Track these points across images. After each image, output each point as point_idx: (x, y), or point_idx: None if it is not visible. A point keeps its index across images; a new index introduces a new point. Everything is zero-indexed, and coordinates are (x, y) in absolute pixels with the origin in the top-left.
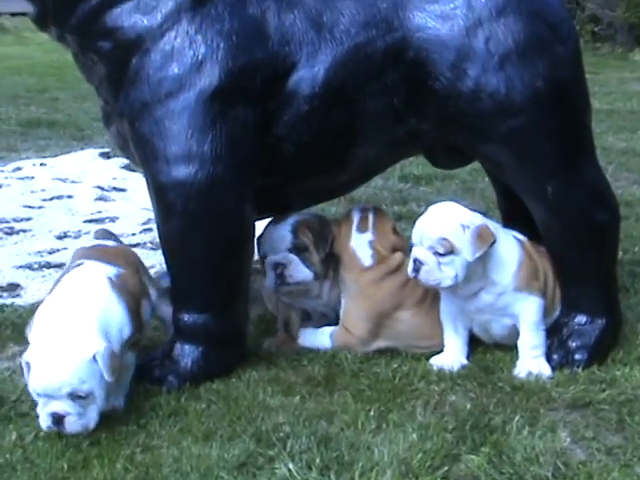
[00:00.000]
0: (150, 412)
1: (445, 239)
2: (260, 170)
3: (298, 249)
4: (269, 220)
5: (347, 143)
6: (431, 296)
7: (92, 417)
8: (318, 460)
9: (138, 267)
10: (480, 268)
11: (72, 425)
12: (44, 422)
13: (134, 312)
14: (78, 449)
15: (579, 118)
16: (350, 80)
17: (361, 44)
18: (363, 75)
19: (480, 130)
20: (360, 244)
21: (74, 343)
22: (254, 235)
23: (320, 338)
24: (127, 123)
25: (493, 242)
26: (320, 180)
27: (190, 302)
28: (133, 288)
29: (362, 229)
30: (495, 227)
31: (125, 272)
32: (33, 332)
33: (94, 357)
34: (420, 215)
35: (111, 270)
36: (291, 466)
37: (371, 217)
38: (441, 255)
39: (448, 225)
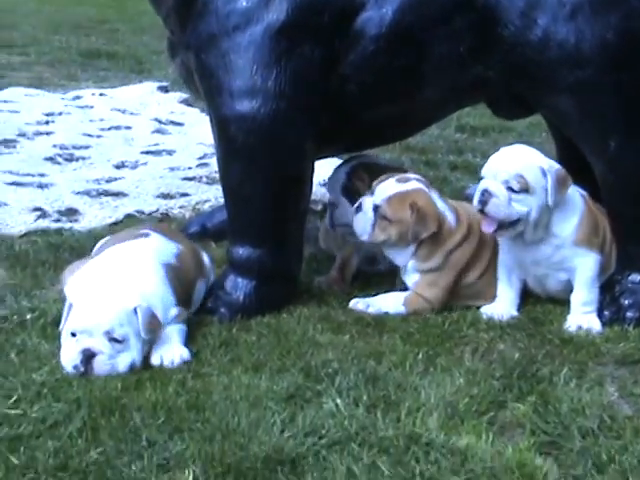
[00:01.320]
0: (202, 340)
1: (522, 176)
2: (323, 109)
3: (349, 192)
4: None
5: (411, 86)
6: (495, 259)
7: (123, 361)
8: (365, 397)
9: (197, 249)
10: (546, 217)
11: (100, 365)
12: (71, 362)
13: (183, 293)
14: (132, 371)
15: None
16: (417, 23)
17: None
18: (431, 19)
19: (546, 80)
20: (440, 205)
21: (119, 294)
22: (313, 174)
23: (393, 303)
24: (193, 55)
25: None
26: (381, 123)
27: (245, 236)
28: (189, 269)
29: (430, 188)
30: None
31: (184, 251)
32: (79, 278)
33: (135, 309)
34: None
35: (171, 249)
36: (338, 401)
37: (418, 175)
38: (514, 192)
39: (526, 164)
